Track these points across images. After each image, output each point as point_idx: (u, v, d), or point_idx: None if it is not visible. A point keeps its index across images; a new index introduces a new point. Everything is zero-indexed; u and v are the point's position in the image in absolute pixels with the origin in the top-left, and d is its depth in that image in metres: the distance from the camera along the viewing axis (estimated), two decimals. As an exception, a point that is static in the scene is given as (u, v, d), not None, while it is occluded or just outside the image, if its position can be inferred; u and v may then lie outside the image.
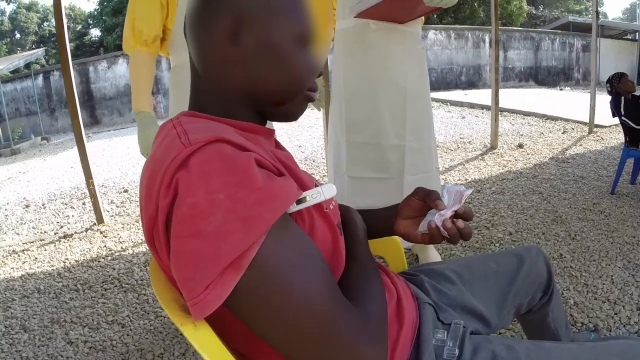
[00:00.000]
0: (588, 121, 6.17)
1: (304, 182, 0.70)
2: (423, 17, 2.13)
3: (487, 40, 14.68)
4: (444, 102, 9.93)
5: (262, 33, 0.67)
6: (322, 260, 0.64)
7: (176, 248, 0.56)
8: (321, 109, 2.66)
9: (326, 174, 4.36)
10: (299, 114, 0.77)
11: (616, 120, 3.66)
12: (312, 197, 0.65)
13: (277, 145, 0.81)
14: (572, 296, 2.03)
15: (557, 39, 16.52)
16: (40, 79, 13.13)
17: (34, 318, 2.22)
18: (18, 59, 12.91)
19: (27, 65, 13.35)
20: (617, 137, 5.48)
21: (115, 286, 2.51)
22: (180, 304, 0.63)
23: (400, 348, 0.81)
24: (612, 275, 2.19)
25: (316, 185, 0.73)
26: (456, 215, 0.82)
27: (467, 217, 0.83)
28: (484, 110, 8.65)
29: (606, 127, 6.24)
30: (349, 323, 0.61)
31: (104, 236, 3.41)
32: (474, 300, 1.06)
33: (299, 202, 0.63)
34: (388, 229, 0.94)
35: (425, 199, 0.85)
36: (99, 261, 2.91)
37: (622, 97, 3.54)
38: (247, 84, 0.70)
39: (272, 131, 0.78)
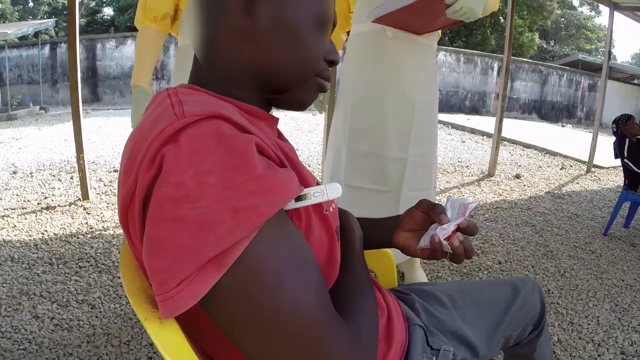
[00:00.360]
0: (587, 160, 6.16)
1: (305, 178, 0.64)
2: (440, 32, 2.09)
3: (496, 68, 14.72)
4: (446, 124, 9.91)
5: (281, 7, 0.61)
6: (317, 267, 0.57)
7: (151, 233, 0.48)
8: (323, 112, 2.61)
9: (320, 181, 4.30)
10: (308, 102, 0.70)
11: (616, 162, 3.64)
12: (314, 195, 0.58)
13: (280, 135, 0.74)
14: (557, 333, 1.98)
15: (565, 76, 16.59)
16: (47, 49, 12.99)
17: (3, 287, 2.15)
18: (27, 27, 12.78)
19: (36, 34, 13.24)
20: (614, 180, 5.48)
21: (91, 265, 2.44)
22: (148, 294, 0.56)
23: None
24: (598, 317, 2.15)
25: (318, 184, 0.67)
26: (459, 229, 0.74)
27: (470, 232, 0.74)
28: (485, 137, 8.64)
29: (604, 168, 6.24)
30: (339, 337, 0.54)
31: (87, 213, 3.33)
32: (464, 327, 1.01)
33: (298, 199, 0.57)
34: (387, 240, 0.87)
35: (429, 212, 0.79)
36: (77, 237, 2.83)
37: (627, 139, 3.52)
38: (255, 62, 0.63)
39: (276, 119, 0.71)
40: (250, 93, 0.66)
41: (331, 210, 0.69)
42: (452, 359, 0.83)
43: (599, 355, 1.84)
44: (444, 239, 0.72)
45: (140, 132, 0.57)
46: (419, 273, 2.28)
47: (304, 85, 0.67)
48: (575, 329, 2.03)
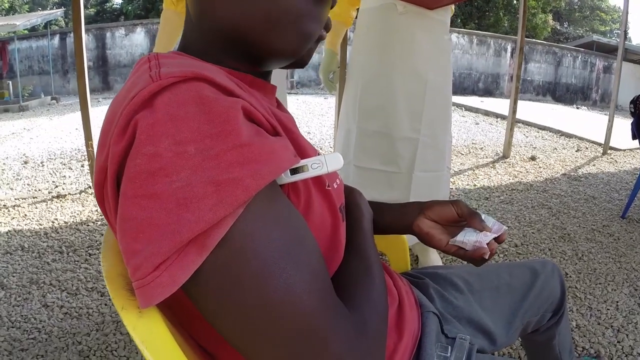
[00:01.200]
0: (603, 142, 6.03)
1: (304, 149, 0.57)
2: (453, 7, 2.02)
3: (509, 49, 14.49)
4: (459, 106, 9.78)
5: None
6: (316, 250, 0.51)
7: (124, 211, 0.42)
8: (334, 92, 2.56)
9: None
10: (306, 59, 0.62)
11: (633, 144, 3.53)
12: (312, 167, 0.51)
13: (279, 105, 0.67)
14: (575, 318, 1.93)
15: (580, 57, 16.28)
16: (56, 40, 13.00)
17: (14, 276, 2.14)
18: (36, 17, 12.78)
19: (46, 25, 13.25)
20: (631, 162, 5.35)
21: (100, 252, 2.42)
22: (128, 280, 0.50)
23: None
24: (617, 301, 2.08)
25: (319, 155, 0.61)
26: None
27: (499, 240, 0.76)
28: (499, 119, 8.51)
29: (621, 150, 6.10)
30: (340, 333, 0.48)
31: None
32: (482, 313, 0.96)
33: (294, 171, 0.50)
34: (403, 227, 0.82)
35: (468, 217, 0.76)
36: (87, 225, 2.82)
37: (646, 120, 3.41)
38: (230, 19, 0.55)
39: (273, 87, 0.64)
40: (240, 60, 0.59)
41: (335, 186, 0.63)
42: (469, 350, 0.79)
43: (618, 342, 1.79)
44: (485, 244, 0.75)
45: (116, 99, 0.51)
46: (434, 256, 2.24)
47: (273, 30, 0.56)
48: (594, 314, 1.98)
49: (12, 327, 1.76)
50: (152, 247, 0.40)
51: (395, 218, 0.84)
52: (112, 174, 0.45)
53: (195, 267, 0.41)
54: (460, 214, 0.78)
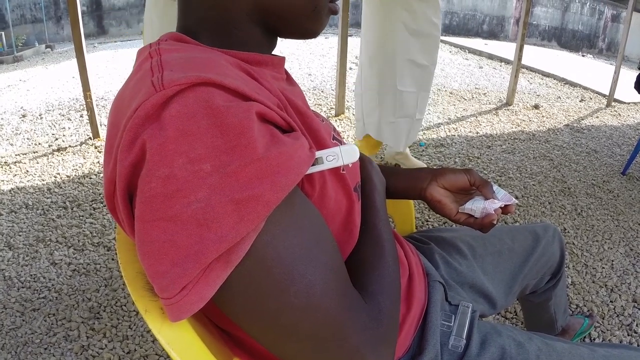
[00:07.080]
0: (608, 93, 5.93)
1: (317, 132, 0.56)
2: None
3: (516, -9, 14.03)
4: (463, 48, 9.55)
5: None
6: (333, 245, 0.52)
7: (144, 235, 0.41)
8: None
9: (334, 107, 4.23)
10: (319, 30, 0.61)
11: (638, 98, 3.46)
12: (327, 159, 0.51)
13: (288, 77, 0.66)
14: (571, 275, 1.98)
15: (588, 4, 15.75)
16: (48, -15, 12.51)
17: (20, 235, 2.16)
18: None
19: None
20: (635, 116, 5.27)
21: (104, 205, 2.44)
22: (148, 279, 0.50)
23: (404, 334, 0.73)
24: (612, 260, 2.13)
25: (334, 139, 0.60)
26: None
27: (507, 211, 0.80)
28: (503, 63, 8.32)
29: (625, 103, 6.00)
30: (357, 326, 0.50)
31: (98, 151, 3.28)
32: (484, 278, 0.99)
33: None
34: (415, 192, 0.84)
35: (480, 187, 0.80)
36: (90, 178, 2.82)
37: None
38: (267, 4, 0.55)
39: (282, 59, 0.62)
40: (247, 32, 0.57)
41: (350, 165, 0.62)
42: (472, 318, 0.81)
43: (611, 301, 1.84)
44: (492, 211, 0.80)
45: (120, 101, 0.49)
46: (415, 161, 2.80)
47: (312, 12, 0.58)
48: (590, 272, 2.02)
49: (22, 288, 1.80)
50: (177, 269, 0.40)
51: (407, 184, 0.85)
52: (121, 191, 0.44)
53: (221, 281, 0.42)
54: (473, 183, 0.80)
